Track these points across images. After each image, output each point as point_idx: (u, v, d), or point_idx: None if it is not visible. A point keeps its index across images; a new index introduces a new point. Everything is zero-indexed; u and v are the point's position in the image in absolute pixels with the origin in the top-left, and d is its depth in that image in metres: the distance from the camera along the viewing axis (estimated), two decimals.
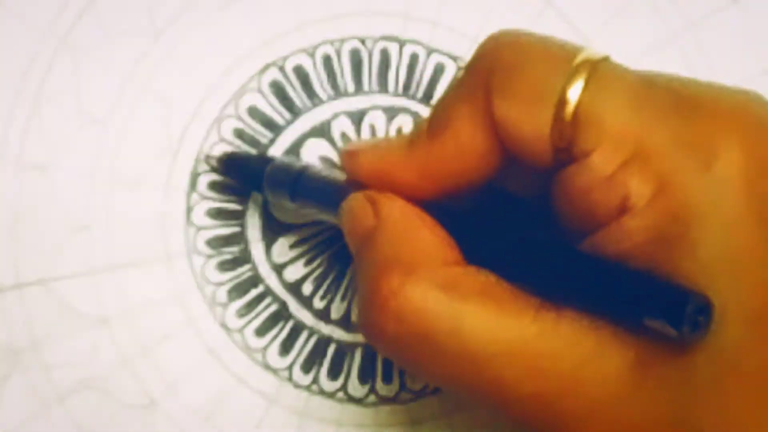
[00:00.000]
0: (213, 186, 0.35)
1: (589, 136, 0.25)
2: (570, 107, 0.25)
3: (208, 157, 0.34)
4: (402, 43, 0.36)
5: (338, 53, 0.36)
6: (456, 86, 0.28)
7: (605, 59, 0.26)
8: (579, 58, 0.25)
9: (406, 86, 0.36)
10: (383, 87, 0.36)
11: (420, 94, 0.36)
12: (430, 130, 0.28)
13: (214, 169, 0.35)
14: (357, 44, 0.36)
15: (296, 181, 0.32)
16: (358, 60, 0.36)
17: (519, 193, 0.29)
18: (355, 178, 0.30)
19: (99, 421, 0.34)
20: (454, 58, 0.36)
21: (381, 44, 0.36)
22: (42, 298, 0.34)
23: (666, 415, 0.24)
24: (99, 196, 0.34)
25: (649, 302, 0.23)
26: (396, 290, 0.26)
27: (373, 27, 0.36)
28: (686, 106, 0.25)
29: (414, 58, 0.36)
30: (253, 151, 0.35)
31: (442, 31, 0.36)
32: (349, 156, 0.30)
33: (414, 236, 0.27)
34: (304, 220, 0.35)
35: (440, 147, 0.27)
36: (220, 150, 0.35)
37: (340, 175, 0.31)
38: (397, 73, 0.36)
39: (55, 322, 0.34)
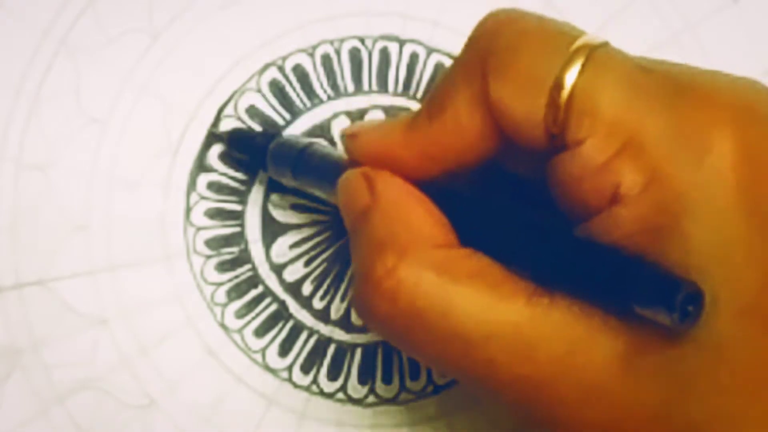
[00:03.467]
0: (212, 186, 0.35)
1: (583, 123, 0.25)
2: (565, 92, 0.25)
3: (213, 134, 0.34)
4: (402, 43, 0.36)
5: (338, 53, 0.36)
6: (454, 67, 0.28)
7: (604, 45, 0.25)
8: (577, 43, 0.25)
9: (406, 86, 0.36)
10: (383, 87, 0.36)
11: (420, 94, 0.36)
12: (428, 110, 0.28)
13: (222, 141, 0.34)
14: (357, 44, 0.36)
15: (298, 158, 0.32)
16: (357, 60, 0.36)
17: (521, 174, 0.29)
18: (356, 159, 0.30)
19: (99, 421, 0.34)
20: (454, 58, 0.36)
21: (381, 44, 0.36)
22: (42, 299, 0.34)
23: (655, 404, 0.24)
24: (98, 196, 0.34)
25: (639, 289, 0.23)
26: (390, 271, 0.26)
27: (372, 27, 0.36)
28: (683, 95, 0.25)
29: (414, 58, 0.36)
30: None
31: (442, 31, 0.36)
32: (350, 137, 0.30)
33: (409, 216, 0.27)
34: (300, 220, 0.35)
35: (439, 127, 0.27)
36: (228, 126, 0.35)
37: (343, 155, 0.31)
38: (397, 73, 0.36)
39: (55, 322, 0.34)
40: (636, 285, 0.23)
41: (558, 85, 0.25)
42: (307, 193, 0.33)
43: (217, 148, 0.35)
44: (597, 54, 0.25)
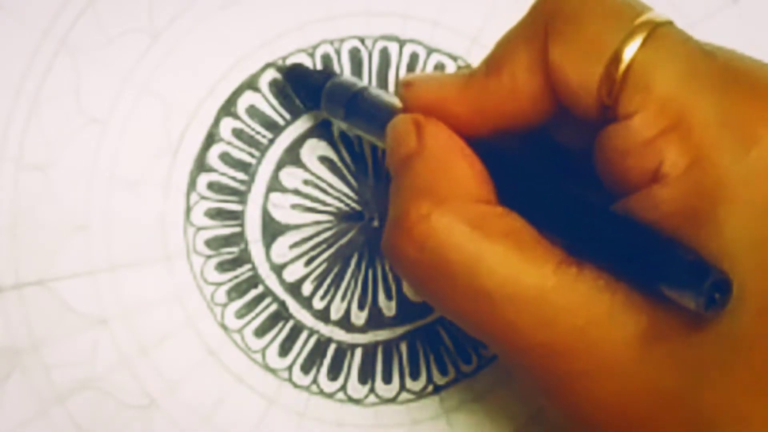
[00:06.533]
0: (212, 186, 0.35)
1: (635, 97, 0.25)
2: (622, 66, 0.25)
3: (273, 65, 0.35)
4: (402, 43, 0.36)
5: (338, 53, 0.36)
6: (517, 26, 0.28)
7: (668, 23, 0.26)
8: (641, 18, 0.25)
9: None
10: (383, 86, 0.36)
11: None
12: (487, 66, 0.28)
13: (279, 71, 0.35)
14: (357, 44, 0.36)
15: (353, 100, 0.32)
16: (357, 60, 0.36)
17: (567, 144, 0.29)
18: (410, 108, 0.30)
19: (99, 421, 0.34)
20: (454, 58, 0.36)
21: (381, 44, 0.36)
22: (42, 298, 0.34)
23: (668, 386, 0.24)
24: (98, 196, 0.34)
25: (670, 269, 0.23)
26: (423, 218, 0.26)
27: (372, 27, 0.36)
28: (739, 84, 0.25)
29: (414, 58, 0.36)
30: (254, 151, 0.35)
31: (442, 31, 0.36)
32: (406, 85, 0.30)
33: (452, 167, 0.27)
34: (300, 221, 0.35)
35: (496, 84, 0.27)
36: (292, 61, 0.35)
37: (397, 103, 0.31)
38: (397, 73, 0.36)
39: (55, 322, 0.34)
40: (666, 265, 0.23)
41: (616, 57, 0.25)
42: (309, 190, 0.33)
43: (217, 148, 0.35)
44: (659, 31, 0.25)
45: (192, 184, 0.35)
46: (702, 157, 0.24)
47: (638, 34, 0.25)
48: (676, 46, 0.25)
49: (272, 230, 0.35)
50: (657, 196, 0.24)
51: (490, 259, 0.25)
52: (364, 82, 0.34)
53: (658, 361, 0.24)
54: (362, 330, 0.35)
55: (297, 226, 0.35)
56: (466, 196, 0.27)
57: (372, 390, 0.35)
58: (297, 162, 0.35)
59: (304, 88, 0.34)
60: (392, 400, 0.35)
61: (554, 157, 0.29)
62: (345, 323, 0.35)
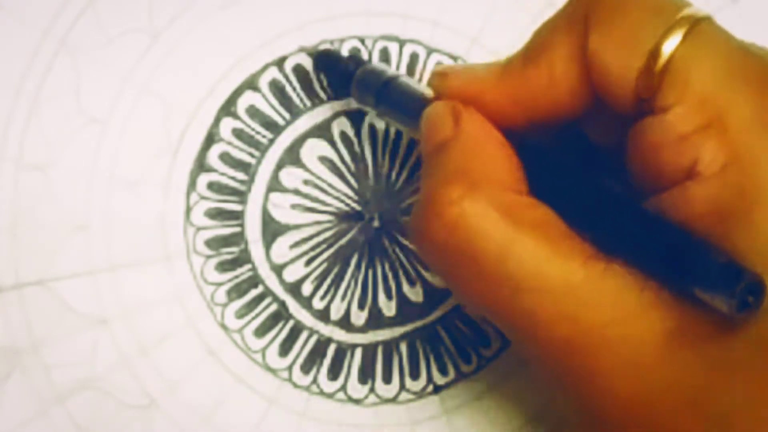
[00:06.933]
0: (212, 186, 0.35)
1: (674, 91, 0.25)
2: (662, 59, 0.25)
3: (304, 50, 0.35)
4: (402, 43, 0.36)
5: None
6: (557, 16, 0.27)
7: (708, 19, 0.25)
8: (682, 13, 0.25)
9: None
10: None
11: None
12: (525, 55, 0.28)
13: (311, 56, 0.35)
14: (357, 44, 0.36)
15: (384, 88, 0.32)
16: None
17: (600, 142, 0.29)
18: (444, 97, 0.30)
19: (99, 421, 0.34)
20: (454, 58, 0.36)
21: (381, 44, 0.36)
22: (42, 298, 0.34)
23: (692, 388, 0.24)
24: (98, 196, 0.34)
25: (702, 271, 0.23)
26: (456, 201, 0.26)
27: (372, 27, 0.36)
28: None
29: (414, 58, 0.36)
30: (254, 151, 0.35)
31: (442, 31, 0.36)
32: (440, 75, 0.30)
33: (486, 155, 0.27)
34: (300, 221, 0.35)
35: (534, 73, 0.27)
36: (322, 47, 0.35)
37: (428, 92, 0.31)
38: None
39: (55, 322, 0.34)
40: (699, 268, 0.23)
41: (656, 51, 0.25)
42: (309, 190, 0.33)
43: (217, 148, 0.35)
44: (700, 27, 0.25)
45: (192, 184, 0.35)
46: (739, 157, 0.24)
47: (679, 29, 0.25)
48: (716, 43, 0.25)
49: (272, 230, 0.35)
50: (690, 193, 0.24)
51: (519, 248, 0.25)
52: (394, 70, 0.34)
53: (684, 361, 0.24)
54: (362, 330, 0.35)
55: (297, 226, 0.35)
56: (499, 183, 0.26)
57: (372, 390, 0.35)
58: (297, 162, 0.35)
59: (335, 74, 0.34)
60: (392, 400, 0.35)
61: (586, 153, 0.29)
62: (345, 323, 0.35)
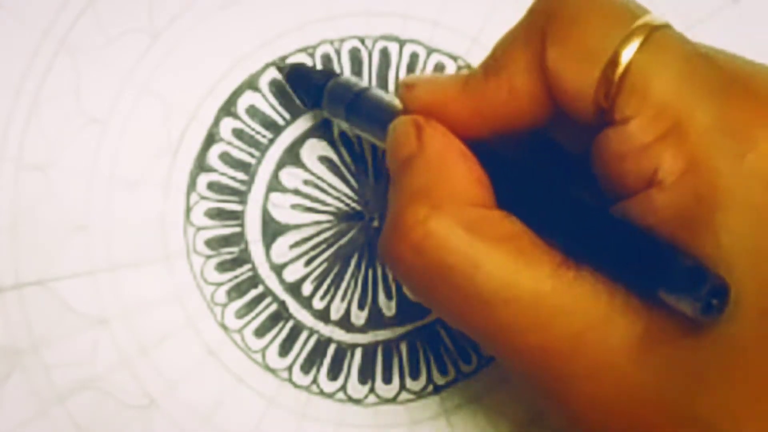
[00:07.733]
0: (212, 186, 0.35)
1: (632, 101, 0.25)
2: (619, 69, 0.25)
3: (275, 65, 0.35)
4: (402, 43, 0.36)
5: (338, 53, 0.36)
6: (516, 28, 0.28)
7: (665, 26, 0.25)
8: (639, 21, 0.25)
9: None
10: (383, 87, 0.36)
11: None
12: (485, 68, 0.28)
13: (280, 71, 0.35)
14: (357, 44, 0.36)
15: (354, 100, 0.32)
16: (357, 60, 0.36)
17: (568, 146, 0.29)
18: (410, 109, 0.30)
19: (99, 421, 0.34)
20: (454, 58, 0.36)
21: (381, 44, 0.36)
22: (42, 299, 0.34)
23: (666, 392, 0.24)
24: (98, 196, 0.34)
25: (667, 274, 0.23)
26: (421, 222, 0.26)
27: (372, 27, 0.36)
28: (736, 88, 0.25)
29: (414, 58, 0.36)
30: (254, 151, 0.35)
31: (442, 31, 0.36)
32: (406, 87, 0.30)
33: (450, 170, 0.27)
34: (300, 220, 0.35)
35: (494, 86, 0.27)
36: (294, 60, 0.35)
37: (397, 104, 0.31)
38: (397, 73, 0.36)
39: (55, 322, 0.34)
40: (664, 271, 0.23)
41: (614, 61, 0.25)
42: (308, 190, 0.33)
43: (217, 148, 0.35)
44: (657, 34, 0.25)
45: (192, 184, 0.35)
46: (698, 163, 0.24)
47: (636, 37, 0.25)
48: (673, 50, 0.25)
49: (272, 230, 0.35)
50: (653, 201, 0.24)
51: (487, 263, 0.25)
52: (365, 82, 0.34)
53: (655, 365, 0.24)
54: (362, 330, 0.35)
55: (297, 226, 0.35)
56: (463, 199, 0.27)
57: (372, 390, 0.35)
58: (297, 162, 0.35)
59: (305, 87, 0.34)
60: (392, 400, 0.35)
61: (554, 158, 0.29)
62: (345, 323, 0.35)
